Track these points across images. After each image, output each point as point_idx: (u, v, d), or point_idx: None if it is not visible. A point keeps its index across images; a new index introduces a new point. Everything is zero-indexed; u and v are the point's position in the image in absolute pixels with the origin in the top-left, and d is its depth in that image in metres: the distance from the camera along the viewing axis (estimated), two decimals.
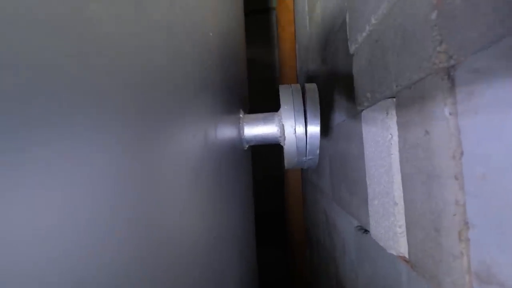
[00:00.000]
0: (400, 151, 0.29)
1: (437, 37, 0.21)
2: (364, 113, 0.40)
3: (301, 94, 0.30)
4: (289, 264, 1.30)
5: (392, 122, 0.31)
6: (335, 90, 0.60)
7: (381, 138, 0.33)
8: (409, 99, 0.27)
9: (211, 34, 0.25)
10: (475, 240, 0.18)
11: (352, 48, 0.42)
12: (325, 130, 0.73)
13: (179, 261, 0.19)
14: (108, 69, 0.13)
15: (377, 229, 0.35)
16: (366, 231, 0.42)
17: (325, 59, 0.71)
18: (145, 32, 0.17)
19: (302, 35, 1.09)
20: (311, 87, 0.31)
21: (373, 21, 0.33)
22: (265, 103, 1.42)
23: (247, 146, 0.33)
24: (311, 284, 1.06)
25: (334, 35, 0.58)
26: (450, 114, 0.20)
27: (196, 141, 0.21)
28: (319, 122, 0.27)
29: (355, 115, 0.45)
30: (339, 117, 0.59)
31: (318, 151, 0.28)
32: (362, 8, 0.36)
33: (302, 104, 0.29)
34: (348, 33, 0.44)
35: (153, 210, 0.16)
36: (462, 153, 0.19)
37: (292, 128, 0.28)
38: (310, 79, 0.99)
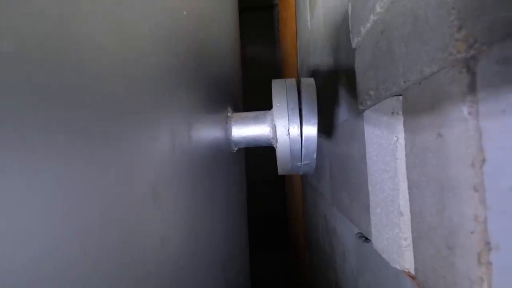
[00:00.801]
0: (406, 155, 0.26)
1: (455, 22, 0.18)
2: (366, 112, 0.37)
3: (296, 90, 0.27)
4: (290, 267, 1.27)
5: (398, 123, 0.28)
6: (336, 88, 0.57)
7: (385, 141, 0.30)
8: (419, 97, 0.24)
9: (185, 13, 0.22)
10: (499, 265, 0.15)
11: (355, 42, 0.39)
12: (327, 130, 0.70)
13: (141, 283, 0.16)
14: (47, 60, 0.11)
15: (379, 240, 0.32)
16: (367, 239, 0.39)
17: (326, 54, 0.68)
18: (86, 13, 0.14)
19: (303, 30, 1.06)
20: (308, 82, 0.28)
21: (378, 9, 0.30)
22: (265, 103, 1.39)
23: (236, 148, 0.30)
24: None
25: (335, 29, 0.55)
26: (469, 114, 0.17)
27: (158, 145, 0.18)
28: (317, 122, 0.24)
29: (357, 115, 0.42)
30: (341, 117, 0.56)
31: (315, 155, 0.25)
32: None
33: (297, 101, 0.26)
34: (350, 26, 0.41)
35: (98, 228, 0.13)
36: (483, 161, 0.16)
37: (286, 129, 0.25)
38: (311, 76, 0.96)
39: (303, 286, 1.15)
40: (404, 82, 0.26)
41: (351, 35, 0.41)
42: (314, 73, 0.90)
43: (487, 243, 0.15)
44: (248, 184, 0.87)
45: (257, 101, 1.43)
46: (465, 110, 0.18)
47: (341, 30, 0.49)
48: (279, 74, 1.40)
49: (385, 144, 0.30)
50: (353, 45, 0.40)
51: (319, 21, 0.76)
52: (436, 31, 0.20)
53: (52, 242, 0.11)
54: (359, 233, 0.43)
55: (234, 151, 0.31)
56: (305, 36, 1.03)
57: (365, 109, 0.37)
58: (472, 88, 0.17)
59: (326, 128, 0.70)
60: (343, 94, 0.52)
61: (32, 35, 0.11)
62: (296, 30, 1.28)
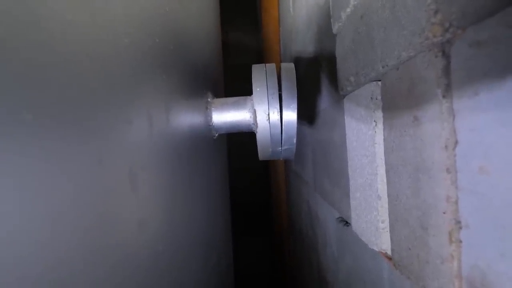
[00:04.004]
0: (385, 140, 0.27)
1: (431, 5, 0.18)
2: (347, 98, 0.37)
3: (276, 75, 0.26)
4: (274, 253, 1.30)
5: (376, 108, 0.28)
6: (318, 75, 0.57)
7: (364, 126, 0.31)
8: (397, 82, 0.24)
9: (167, 9, 0.21)
10: (468, 242, 0.15)
11: (335, 27, 0.39)
12: (309, 117, 0.70)
13: (118, 270, 0.16)
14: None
15: (358, 223, 0.33)
16: (347, 223, 0.40)
17: (308, 41, 0.67)
18: None
19: (286, 18, 1.05)
20: (288, 67, 0.27)
21: None
22: (248, 89, 1.38)
23: (216, 134, 0.29)
24: (294, 273, 1.06)
25: (317, 15, 0.54)
26: (444, 97, 0.18)
27: (134, 129, 0.18)
28: (296, 107, 0.24)
29: (338, 101, 0.42)
30: (323, 103, 0.56)
31: (295, 140, 0.25)
32: None
33: (276, 86, 0.25)
34: (331, 11, 0.41)
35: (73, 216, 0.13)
36: (456, 143, 0.17)
37: (266, 114, 0.24)
38: (293, 63, 0.95)
39: (287, 271, 1.19)
40: (383, 67, 0.26)
41: (331, 20, 0.40)
42: (296, 60, 0.89)
43: (458, 222, 0.16)
44: (231, 172, 0.86)
45: (240, 88, 1.41)
46: (439, 93, 0.18)
47: (323, 16, 0.49)
48: (262, 60, 1.38)
49: (364, 129, 0.31)
50: (334, 30, 0.40)
51: (302, 7, 0.75)
52: (413, 15, 0.20)
53: (23, 225, 0.10)
54: (340, 217, 0.44)
55: (215, 137, 0.30)
56: (287, 22, 1.02)
57: (346, 95, 0.37)
58: (447, 72, 0.18)
59: (308, 115, 0.71)
60: (324, 81, 0.52)
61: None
62: (279, 17, 1.26)
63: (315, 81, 0.60)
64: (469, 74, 0.16)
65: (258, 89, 0.25)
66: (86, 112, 0.14)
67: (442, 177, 0.17)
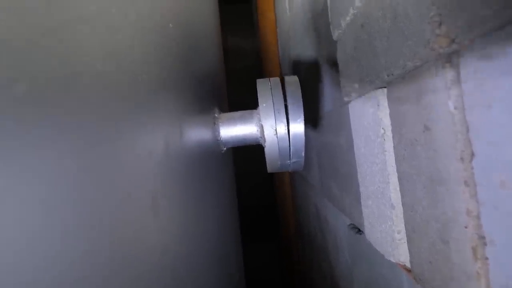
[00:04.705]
0: (395, 148, 0.26)
1: (435, 18, 0.18)
2: (352, 104, 0.37)
3: (281, 89, 0.26)
4: (282, 258, 1.29)
5: (384, 115, 0.28)
6: (320, 78, 0.57)
7: (372, 133, 0.30)
8: (404, 90, 0.24)
9: (171, 25, 0.21)
10: (495, 260, 0.15)
11: (335, 34, 0.39)
12: (312, 120, 0.70)
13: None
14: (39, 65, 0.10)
15: (372, 232, 0.32)
16: (360, 230, 0.40)
17: (307, 44, 0.67)
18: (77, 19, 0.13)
19: (283, 20, 1.05)
20: (292, 80, 0.27)
21: (357, 3, 0.29)
22: (248, 92, 1.39)
23: (224, 148, 0.29)
24: (305, 279, 1.05)
25: (316, 19, 0.54)
26: (455, 108, 0.17)
27: (153, 152, 0.18)
28: (303, 120, 0.24)
29: (343, 105, 0.42)
30: (326, 107, 0.56)
31: (303, 153, 0.25)
32: None
33: (282, 100, 0.25)
34: (330, 18, 0.41)
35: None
36: (472, 155, 0.16)
37: (273, 129, 0.24)
38: (293, 65, 0.95)
39: (296, 277, 1.18)
40: (388, 75, 0.26)
41: (331, 27, 0.40)
42: (296, 63, 0.89)
43: (482, 238, 0.16)
44: (236, 176, 0.86)
45: (239, 91, 1.42)
46: (451, 104, 0.18)
47: (322, 21, 0.49)
48: (261, 63, 1.39)
49: (372, 137, 0.31)
50: (334, 37, 0.40)
51: (299, 11, 0.75)
52: (417, 26, 0.20)
53: (49, 247, 0.11)
54: (352, 224, 0.44)
55: (223, 151, 0.30)
56: (285, 25, 1.02)
57: (350, 101, 0.37)
58: (456, 82, 0.17)
59: (311, 117, 0.70)
60: (327, 84, 0.52)
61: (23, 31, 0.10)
62: (276, 20, 1.27)
63: (317, 84, 0.59)
64: (481, 86, 0.15)
65: (264, 104, 0.25)
66: (110, 134, 0.15)
67: (460, 190, 0.17)
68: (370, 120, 0.30)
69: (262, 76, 1.35)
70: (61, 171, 0.11)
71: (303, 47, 0.73)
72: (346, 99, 0.38)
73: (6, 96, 0.09)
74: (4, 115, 0.09)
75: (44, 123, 0.11)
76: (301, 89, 0.83)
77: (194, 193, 0.25)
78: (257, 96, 0.29)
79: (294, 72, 0.95)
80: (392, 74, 0.25)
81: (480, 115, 0.16)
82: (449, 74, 0.18)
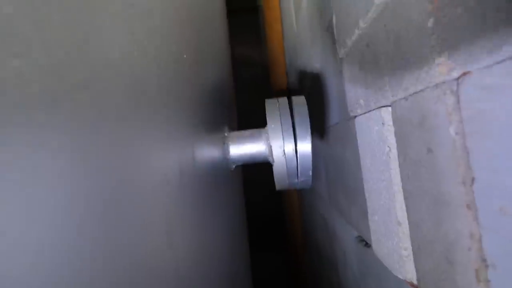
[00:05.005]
0: (400, 166, 0.27)
1: (435, 47, 0.19)
2: (358, 119, 0.38)
3: (288, 110, 0.27)
4: (289, 268, 1.28)
5: (389, 133, 0.28)
6: (326, 91, 0.58)
7: (378, 150, 0.31)
8: (407, 111, 0.25)
9: (185, 56, 0.22)
10: (498, 284, 0.15)
11: (341, 52, 0.40)
12: (319, 131, 0.71)
13: None
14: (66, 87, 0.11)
15: (379, 247, 0.32)
16: (367, 244, 0.40)
17: (314, 57, 0.68)
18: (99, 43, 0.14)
19: (289, 32, 1.07)
20: (299, 101, 0.28)
21: (361, 24, 0.30)
22: (254, 101, 1.41)
23: (234, 166, 0.30)
24: None
25: (321, 34, 0.55)
26: (457, 134, 0.18)
27: (166, 178, 0.19)
28: (310, 140, 0.25)
29: (349, 119, 0.43)
30: (332, 119, 0.56)
31: (310, 172, 0.26)
32: (349, 10, 0.34)
33: (290, 122, 0.26)
34: (336, 35, 0.42)
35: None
36: (473, 180, 0.17)
37: (281, 149, 0.25)
38: (299, 76, 0.96)
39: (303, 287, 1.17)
40: (392, 96, 0.26)
41: (337, 45, 0.41)
42: (302, 74, 0.90)
43: (484, 261, 0.16)
44: (244, 184, 0.87)
45: (246, 99, 1.44)
46: (452, 130, 0.18)
47: (327, 36, 0.50)
48: (268, 72, 1.41)
49: (378, 154, 0.31)
50: (340, 54, 0.41)
51: (305, 25, 0.76)
52: (418, 52, 0.20)
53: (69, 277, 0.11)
54: (359, 236, 0.44)
55: (233, 169, 0.31)
56: (291, 37, 1.04)
57: (356, 116, 0.38)
58: (457, 109, 0.18)
59: (319, 128, 0.71)
60: (333, 97, 0.52)
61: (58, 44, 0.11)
62: (282, 31, 1.29)
63: (324, 96, 0.60)
64: (479, 115, 0.16)
65: (272, 125, 0.26)
66: (127, 164, 0.15)
67: (463, 213, 0.18)
68: (376, 137, 0.31)
69: (268, 84, 1.37)
70: (75, 199, 0.12)
71: (309, 60, 0.74)
72: (352, 114, 0.39)
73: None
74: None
75: (60, 150, 0.11)
76: (308, 100, 0.84)
77: (205, 213, 0.26)
78: (265, 114, 0.30)
79: (300, 83, 0.96)
80: (396, 95, 0.26)
81: (479, 143, 0.16)
82: (450, 100, 0.18)
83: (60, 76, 0.12)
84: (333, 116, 0.54)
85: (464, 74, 0.17)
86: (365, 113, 0.34)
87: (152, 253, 0.17)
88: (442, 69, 0.18)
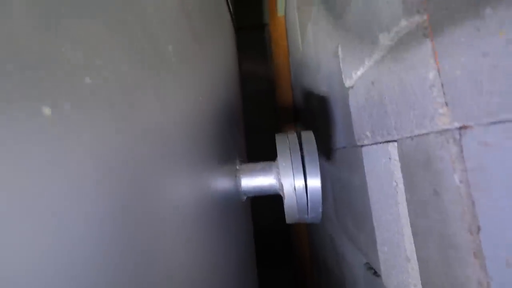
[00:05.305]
0: (408, 202, 0.28)
1: (437, 99, 0.20)
2: (364, 149, 0.38)
3: (298, 146, 0.28)
4: (297, 286, 1.26)
5: (396, 168, 0.29)
6: (332, 114, 0.59)
7: (385, 182, 0.32)
8: (413, 150, 0.25)
9: (200, 98, 0.24)
10: None
11: (347, 83, 0.41)
12: (326, 152, 0.72)
13: None
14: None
15: (389, 279, 0.33)
16: (376, 272, 0.40)
17: (319, 79, 0.70)
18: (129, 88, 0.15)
19: (295, 50, 1.09)
20: (308, 137, 0.29)
21: (366, 63, 0.32)
22: (262, 116, 1.43)
23: (245, 198, 0.31)
24: None
25: (327, 60, 0.57)
26: (461, 182, 0.19)
27: (180, 210, 0.20)
28: (319, 176, 0.26)
29: (356, 147, 0.43)
30: (339, 142, 0.57)
31: (320, 209, 0.26)
32: (354, 45, 0.35)
33: (300, 159, 0.27)
34: (341, 66, 0.43)
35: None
36: (479, 228, 0.18)
37: (291, 187, 0.26)
38: (305, 95, 0.98)
39: None
40: (398, 134, 0.27)
41: (343, 76, 0.43)
42: (308, 94, 0.92)
43: None
44: (250, 199, 0.87)
45: (254, 114, 1.46)
46: (456, 178, 0.19)
47: (334, 62, 0.52)
48: (273, 88, 1.44)
49: (385, 186, 0.32)
50: (346, 85, 0.42)
51: (310, 47, 0.78)
52: (421, 101, 0.22)
53: None
54: (368, 263, 0.44)
55: (244, 201, 0.32)
56: (297, 55, 1.06)
57: (363, 145, 0.39)
58: (460, 158, 0.19)
59: (325, 150, 0.72)
60: (340, 122, 0.53)
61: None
62: (288, 48, 1.32)
63: (330, 119, 0.62)
64: (482, 168, 0.17)
65: (283, 163, 0.27)
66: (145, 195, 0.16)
67: (470, 260, 0.18)
68: (383, 170, 0.32)
69: (274, 97, 1.40)
70: (92, 230, 0.12)
71: (315, 82, 0.76)
72: (359, 143, 0.40)
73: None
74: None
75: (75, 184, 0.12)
76: (314, 121, 0.85)
77: (218, 240, 0.27)
78: (275, 148, 0.31)
79: (306, 102, 0.98)
80: (402, 135, 0.26)
81: (483, 195, 0.17)
82: (453, 149, 0.19)
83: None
84: (340, 139, 0.55)
85: (466, 127, 0.18)
86: (371, 144, 0.35)
87: (167, 273, 0.17)
88: (445, 119, 0.19)
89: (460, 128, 0.19)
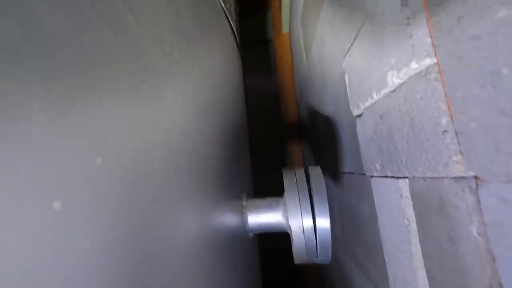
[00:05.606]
0: (421, 243, 0.27)
1: (451, 146, 0.19)
2: (374, 181, 0.38)
3: (306, 184, 0.28)
4: None
5: (407, 206, 0.28)
6: (339, 137, 0.58)
7: (397, 219, 0.31)
8: (426, 191, 0.25)
9: (210, 149, 0.24)
10: None
11: (355, 111, 0.41)
12: (332, 174, 0.71)
13: None
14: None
15: None
16: None
17: (325, 99, 0.70)
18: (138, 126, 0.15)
19: (300, 66, 1.10)
20: (316, 173, 0.29)
21: (375, 96, 0.31)
22: (267, 130, 1.43)
23: (252, 235, 0.31)
24: None
25: (333, 83, 0.57)
26: (479, 234, 0.18)
27: (189, 247, 0.19)
28: (329, 216, 0.25)
29: (364, 175, 0.43)
30: (346, 167, 0.56)
31: (330, 252, 0.26)
32: (362, 77, 0.35)
33: (308, 197, 0.27)
34: (348, 94, 0.43)
35: None
36: (501, 286, 0.17)
37: (300, 228, 0.26)
38: (311, 113, 0.98)
39: None
40: (409, 172, 0.27)
41: (350, 104, 0.42)
42: (314, 113, 0.92)
43: None
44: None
45: (259, 128, 1.46)
46: (473, 229, 0.18)
47: (339, 86, 0.51)
48: (278, 102, 1.45)
49: (397, 223, 0.31)
50: (353, 113, 0.42)
51: (315, 65, 0.78)
52: (434, 145, 0.21)
53: None
54: None
55: (251, 237, 0.32)
56: (302, 71, 1.07)
57: (372, 176, 0.38)
58: (477, 210, 0.18)
59: (332, 171, 0.71)
60: (347, 146, 0.53)
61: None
62: (293, 63, 1.34)
63: (337, 143, 0.61)
64: (501, 224, 0.16)
65: (292, 203, 0.27)
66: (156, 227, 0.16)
67: None
68: (394, 206, 0.31)
69: (279, 113, 1.40)
70: (99, 265, 0.12)
71: (321, 102, 0.76)
72: (367, 173, 0.39)
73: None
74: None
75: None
76: (320, 139, 0.84)
77: (224, 283, 0.26)
78: (283, 183, 0.31)
79: (312, 120, 0.98)
80: (413, 173, 0.26)
81: (504, 253, 0.16)
82: (469, 198, 0.19)
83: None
84: (347, 164, 0.55)
85: (482, 180, 0.17)
86: (381, 176, 0.35)
87: None
88: (460, 167, 0.19)
89: (476, 178, 0.18)
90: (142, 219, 0.15)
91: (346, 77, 0.43)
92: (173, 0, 0.23)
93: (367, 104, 0.35)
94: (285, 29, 1.36)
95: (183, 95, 0.22)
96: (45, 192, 0.10)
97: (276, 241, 1.40)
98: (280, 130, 1.44)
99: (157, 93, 0.18)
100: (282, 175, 0.32)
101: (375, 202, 0.38)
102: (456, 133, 0.19)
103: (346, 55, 0.42)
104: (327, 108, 0.69)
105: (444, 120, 0.20)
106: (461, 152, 0.19)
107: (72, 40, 0.12)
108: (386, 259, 0.35)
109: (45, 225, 0.10)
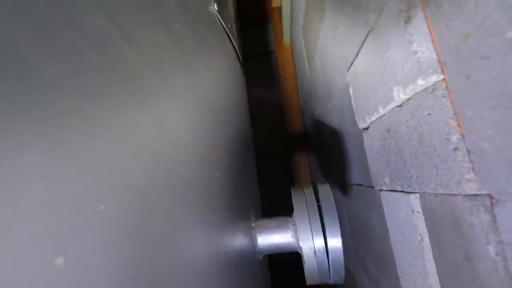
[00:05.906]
0: (435, 259, 0.26)
1: (463, 163, 0.19)
2: (383, 194, 0.37)
3: (315, 203, 0.28)
4: None
5: (419, 222, 0.28)
6: (346, 148, 0.58)
7: (408, 234, 0.30)
8: (438, 207, 0.24)
9: (217, 175, 0.24)
10: None
11: (361, 124, 0.41)
12: (340, 184, 0.70)
13: None
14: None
15: None
16: None
17: (330, 109, 0.70)
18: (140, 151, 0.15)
19: (303, 76, 1.11)
20: (326, 192, 0.29)
21: (381, 110, 0.31)
22: (272, 141, 1.43)
23: (261, 256, 0.30)
24: None
25: (337, 93, 0.57)
26: (497, 255, 0.18)
27: (198, 269, 0.19)
28: (340, 237, 0.25)
29: (372, 187, 0.42)
30: (354, 178, 0.56)
31: (343, 272, 0.25)
32: (367, 92, 0.35)
33: (318, 217, 0.26)
34: (354, 107, 0.43)
35: None
36: None
37: (311, 250, 0.25)
38: (316, 123, 0.98)
39: None
40: (419, 188, 0.26)
41: (356, 116, 0.42)
42: (319, 123, 0.92)
43: None
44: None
45: (263, 139, 1.46)
46: (491, 250, 0.18)
47: (344, 98, 0.51)
48: (282, 112, 1.45)
49: (409, 238, 0.30)
50: (359, 126, 0.41)
51: (319, 75, 0.79)
52: (445, 161, 0.21)
53: None
54: None
55: (260, 259, 0.31)
56: (305, 81, 1.08)
57: (381, 190, 0.38)
58: (494, 229, 0.18)
59: (340, 183, 0.70)
60: (354, 158, 0.52)
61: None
62: (296, 73, 1.34)
63: (344, 155, 0.61)
64: None
65: (301, 224, 0.26)
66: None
67: None
68: (405, 221, 0.31)
69: (283, 123, 1.41)
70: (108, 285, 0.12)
71: (326, 110, 0.75)
72: (376, 187, 0.39)
73: None
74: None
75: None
76: (326, 150, 0.83)
77: None
78: (291, 201, 0.31)
79: (317, 129, 0.97)
80: (424, 189, 0.25)
81: None
82: (485, 217, 0.18)
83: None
84: (355, 176, 0.54)
85: (497, 200, 0.17)
86: (390, 191, 0.34)
87: None
88: (473, 185, 0.19)
89: (491, 196, 0.18)
90: (145, 241, 0.15)
91: (351, 89, 0.43)
92: (172, 26, 0.23)
93: (373, 118, 0.35)
94: (286, 39, 1.37)
95: (187, 122, 0.22)
96: (45, 248, 0.10)
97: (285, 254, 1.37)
98: (285, 141, 1.44)
99: (160, 125, 0.18)
100: (289, 187, 0.32)
101: (385, 215, 0.37)
102: (468, 151, 0.18)
103: (349, 68, 0.42)
104: (333, 119, 0.69)
105: (454, 137, 0.19)
106: (473, 170, 0.18)
107: (71, 83, 0.12)
108: (399, 274, 0.34)
109: (46, 283, 0.10)
